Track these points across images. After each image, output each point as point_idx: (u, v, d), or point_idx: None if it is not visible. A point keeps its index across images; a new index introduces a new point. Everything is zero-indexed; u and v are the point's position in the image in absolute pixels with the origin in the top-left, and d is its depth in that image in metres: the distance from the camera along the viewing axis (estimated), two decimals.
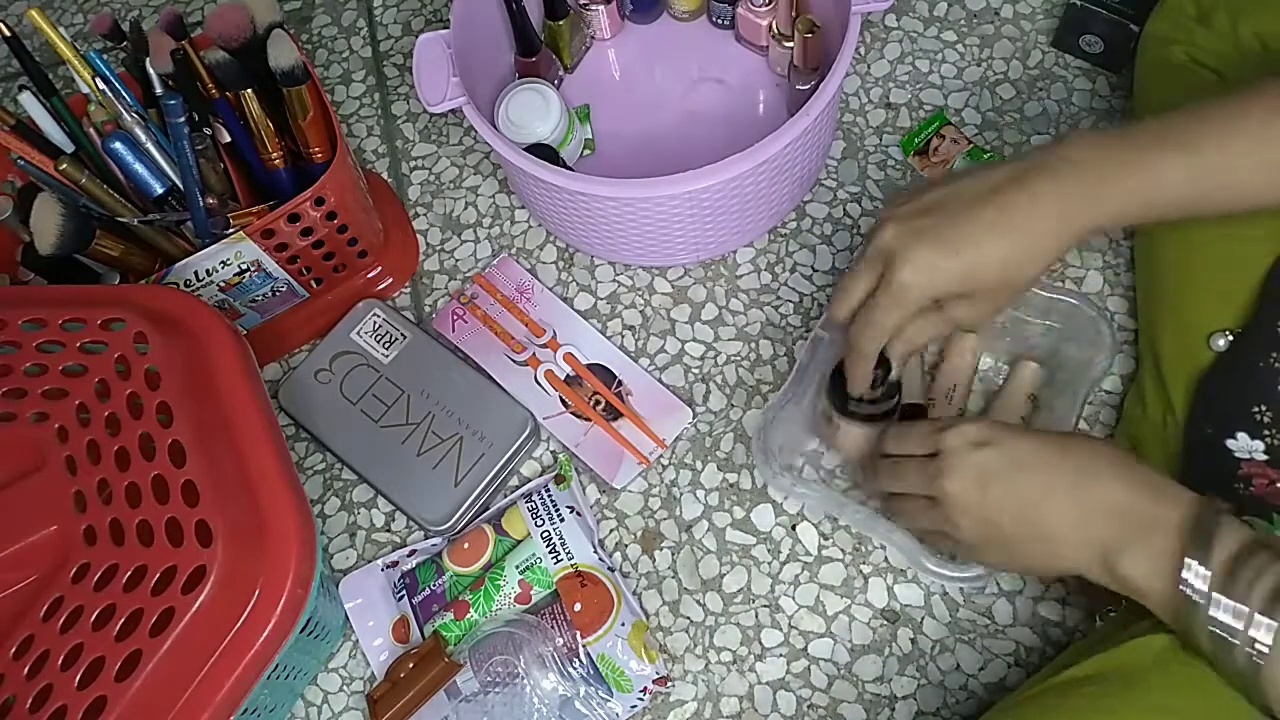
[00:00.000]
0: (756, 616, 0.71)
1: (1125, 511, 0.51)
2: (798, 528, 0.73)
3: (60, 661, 0.51)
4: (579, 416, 0.77)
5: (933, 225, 0.54)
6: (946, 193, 0.55)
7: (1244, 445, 0.58)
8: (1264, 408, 0.57)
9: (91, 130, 0.73)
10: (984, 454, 0.55)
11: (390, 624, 0.73)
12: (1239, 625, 0.46)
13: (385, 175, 0.89)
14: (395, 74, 0.94)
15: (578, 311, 0.81)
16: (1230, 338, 0.60)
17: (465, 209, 0.87)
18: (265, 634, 0.54)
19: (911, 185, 0.58)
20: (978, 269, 0.54)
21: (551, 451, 0.78)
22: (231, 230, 0.70)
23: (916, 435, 0.60)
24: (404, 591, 0.73)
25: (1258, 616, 0.45)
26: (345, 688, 0.73)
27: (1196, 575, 0.47)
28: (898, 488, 0.61)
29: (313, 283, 0.80)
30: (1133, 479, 0.52)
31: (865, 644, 0.69)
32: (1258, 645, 0.45)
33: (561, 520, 0.71)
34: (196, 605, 0.51)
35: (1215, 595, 0.47)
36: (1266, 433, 0.57)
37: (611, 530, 0.75)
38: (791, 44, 0.80)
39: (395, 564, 0.75)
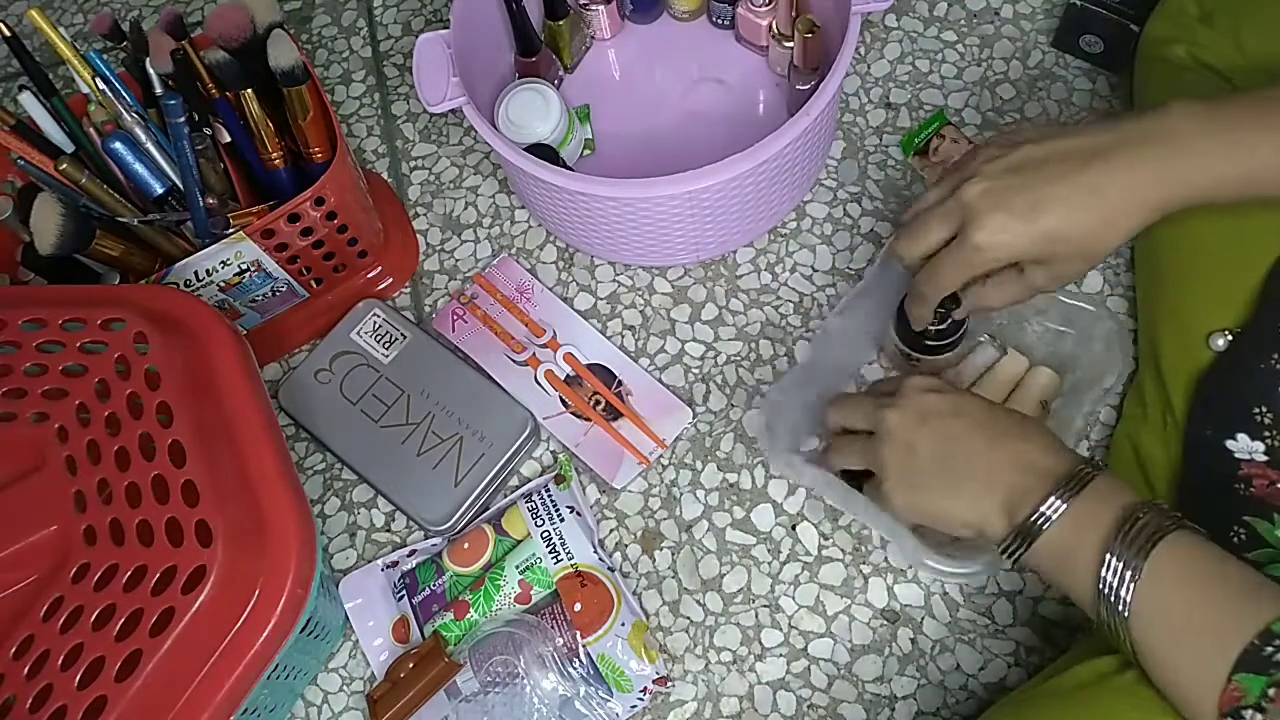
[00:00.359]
0: (756, 616, 0.71)
1: (1030, 464, 0.53)
2: (798, 528, 0.73)
3: (60, 661, 0.51)
4: (579, 416, 0.77)
5: (1018, 188, 0.54)
6: (1041, 151, 0.55)
7: (1244, 446, 0.58)
8: (1264, 409, 0.57)
9: (91, 130, 0.73)
10: (932, 397, 0.58)
11: (390, 624, 0.73)
12: (1113, 580, 0.48)
13: (385, 175, 0.89)
14: (395, 74, 0.94)
15: (578, 311, 0.81)
16: (1230, 338, 0.60)
17: (465, 209, 0.87)
18: (265, 634, 0.54)
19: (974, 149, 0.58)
20: (1056, 238, 0.54)
21: (551, 451, 0.78)
22: (231, 230, 0.70)
23: (886, 382, 0.64)
24: (404, 591, 0.73)
25: (1126, 572, 0.47)
26: (345, 688, 0.73)
27: (1052, 508, 0.51)
28: (847, 420, 0.63)
29: (313, 283, 0.80)
30: (1048, 444, 0.54)
31: (865, 644, 0.69)
32: (1122, 597, 0.47)
33: (561, 520, 0.71)
34: (196, 605, 0.51)
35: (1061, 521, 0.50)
36: (1267, 434, 0.57)
37: (611, 530, 0.74)
38: (791, 44, 0.80)
39: (395, 564, 0.75)
